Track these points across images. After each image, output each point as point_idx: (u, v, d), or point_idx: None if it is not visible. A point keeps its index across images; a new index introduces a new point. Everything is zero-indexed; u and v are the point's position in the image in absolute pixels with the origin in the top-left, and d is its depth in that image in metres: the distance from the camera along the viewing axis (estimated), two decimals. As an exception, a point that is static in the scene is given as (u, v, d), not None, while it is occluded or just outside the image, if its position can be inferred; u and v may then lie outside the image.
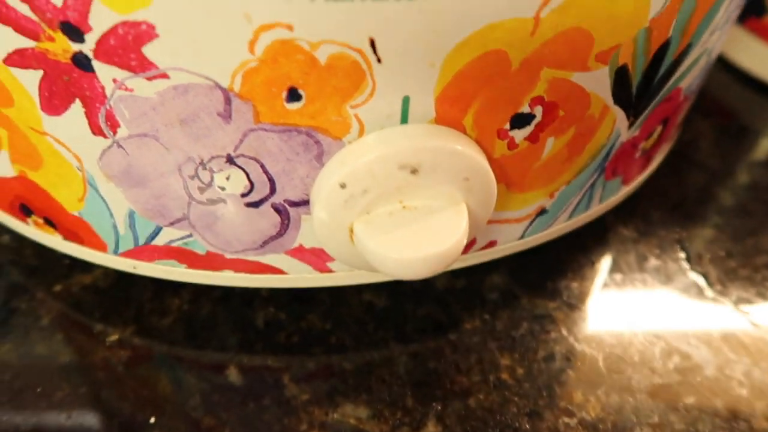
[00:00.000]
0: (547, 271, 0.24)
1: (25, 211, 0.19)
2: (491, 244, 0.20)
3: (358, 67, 0.14)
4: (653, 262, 0.24)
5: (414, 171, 0.15)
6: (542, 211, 0.20)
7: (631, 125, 0.19)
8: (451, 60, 0.14)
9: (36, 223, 0.20)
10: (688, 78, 0.20)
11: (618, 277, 0.24)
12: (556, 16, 0.14)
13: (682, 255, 0.25)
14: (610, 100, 0.18)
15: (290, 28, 0.13)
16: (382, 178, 0.15)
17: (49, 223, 0.19)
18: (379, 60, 0.14)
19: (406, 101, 0.15)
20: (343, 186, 0.15)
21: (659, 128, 0.21)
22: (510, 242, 0.21)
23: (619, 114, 0.18)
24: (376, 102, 0.15)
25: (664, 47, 0.17)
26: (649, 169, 0.24)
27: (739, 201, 0.28)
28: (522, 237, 0.21)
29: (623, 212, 0.26)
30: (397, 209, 0.16)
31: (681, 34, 0.17)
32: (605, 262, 0.24)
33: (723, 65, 0.37)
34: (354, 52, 0.14)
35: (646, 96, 0.19)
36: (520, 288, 0.23)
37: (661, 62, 0.18)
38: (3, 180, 0.18)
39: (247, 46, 0.13)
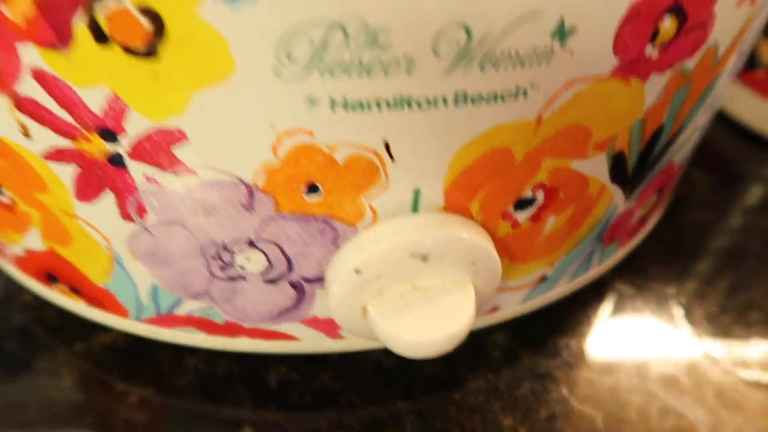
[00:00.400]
0: (547, 329, 0.25)
1: (51, 279, 0.20)
2: (494, 309, 0.21)
3: (373, 165, 0.15)
4: (649, 318, 0.25)
5: (425, 258, 0.16)
6: (543, 279, 0.21)
7: (627, 198, 0.20)
8: (459, 157, 0.15)
9: (61, 290, 0.21)
10: (682, 152, 0.21)
11: (615, 333, 0.25)
12: (556, 116, 0.15)
13: (678, 311, 0.26)
14: (607, 181, 0.19)
15: (311, 134, 0.14)
16: (394, 265, 0.16)
17: (74, 290, 0.20)
18: (392, 159, 0.15)
19: (417, 192, 0.16)
20: (358, 272, 0.16)
21: (654, 197, 0.23)
22: (512, 307, 0.22)
23: (616, 191, 0.19)
24: (389, 194, 0.16)
25: (658, 132, 0.18)
26: (646, 230, 0.25)
27: (733, 255, 0.29)
28: (524, 302, 0.22)
29: (620, 267, 0.27)
30: (409, 290, 0.17)
31: (674, 119, 0.18)
32: (603, 319, 0.25)
33: (716, 115, 0.38)
34: (370, 153, 0.15)
35: (642, 174, 0.20)
36: (521, 346, 0.24)
37: (655, 145, 0.19)
38: (32, 252, 0.19)
39: (271, 149, 0.14)
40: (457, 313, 0.16)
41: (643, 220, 0.24)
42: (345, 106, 0.14)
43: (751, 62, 0.35)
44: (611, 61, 0.15)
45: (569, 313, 0.25)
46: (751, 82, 0.35)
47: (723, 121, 0.37)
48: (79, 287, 0.20)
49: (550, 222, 0.19)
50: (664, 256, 0.28)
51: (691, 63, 0.17)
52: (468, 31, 0.13)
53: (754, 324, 0.26)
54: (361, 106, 0.14)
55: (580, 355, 0.24)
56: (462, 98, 0.14)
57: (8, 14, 0.12)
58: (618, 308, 0.26)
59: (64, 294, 0.21)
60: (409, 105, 0.14)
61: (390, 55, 0.13)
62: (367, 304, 0.17)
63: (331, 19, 0.12)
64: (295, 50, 0.12)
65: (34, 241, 0.19)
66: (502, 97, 0.14)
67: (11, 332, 0.23)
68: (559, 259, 0.21)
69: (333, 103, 0.13)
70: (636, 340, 0.25)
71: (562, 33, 0.13)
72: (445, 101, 0.14)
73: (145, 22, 0.12)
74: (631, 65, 0.15)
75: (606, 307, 0.26)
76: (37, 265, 0.20)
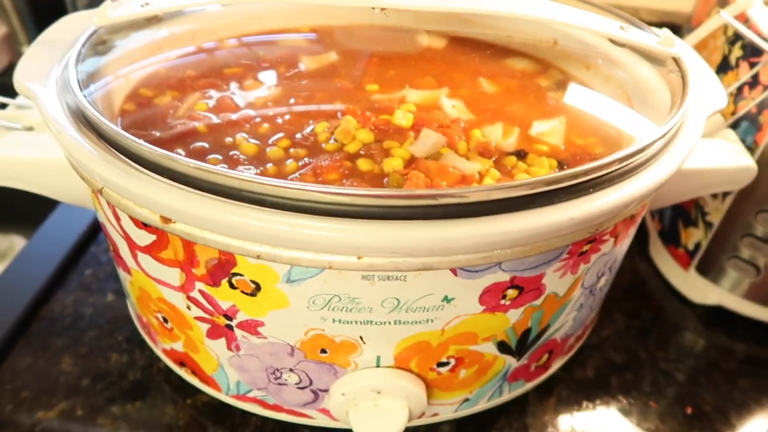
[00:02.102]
0: (482, 427, 0.38)
1: (181, 364, 0.36)
2: (435, 414, 0.35)
3: (355, 345, 0.29)
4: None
5: (380, 391, 0.30)
6: (466, 400, 0.34)
7: (518, 360, 0.33)
8: (399, 344, 0.29)
9: (186, 371, 0.36)
10: (559, 334, 0.34)
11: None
12: (452, 329, 0.29)
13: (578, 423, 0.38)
14: (498, 353, 0.32)
15: (323, 330, 0.29)
16: (364, 393, 0.30)
17: (193, 372, 0.36)
18: (364, 342, 0.29)
19: (378, 357, 0.30)
20: (343, 394, 0.30)
21: (546, 355, 0.35)
22: (448, 414, 0.35)
23: (507, 357, 0.33)
24: (364, 356, 0.30)
25: (527, 331, 0.32)
26: (548, 373, 0.38)
27: (645, 394, 0.41)
28: (455, 412, 0.35)
29: (541, 389, 0.40)
30: (372, 405, 0.31)
31: (538, 323, 0.32)
32: (522, 421, 0.38)
33: (653, 272, 0.49)
34: (353, 340, 0.29)
35: (524, 350, 0.33)
36: (457, 437, 0.37)
37: (527, 337, 0.32)
38: (174, 350, 0.35)
39: (303, 334, 0.29)
40: (397, 419, 0.30)
41: (544, 367, 0.37)
42: (340, 321, 0.28)
43: (677, 242, 0.47)
44: (480, 307, 0.28)
45: (498, 417, 0.38)
46: (676, 256, 0.47)
47: (659, 277, 0.49)
48: (196, 372, 0.35)
49: (462, 373, 0.32)
50: (581, 384, 0.41)
51: (537, 302, 0.30)
52: (398, 300, 0.27)
53: (622, 443, 0.37)
54: (348, 322, 0.28)
55: (494, 449, 0.37)
56: (398, 322, 0.28)
57: (194, 271, 0.28)
58: (536, 425, 0.38)
59: (187, 373, 0.36)
60: (371, 323, 0.28)
61: (361, 306, 0.27)
62: (348, 410, 0.31)
63: (333, 293, 0.27)
64: (317, 300, 0.27)
65: (177, 346, 0.34)
66: (420, 322, 0.28)
67: (151, 386, 0.39)
68: (474, 390, 0.34)
69: (334, 320, 0.28)
70: (537, 443, 0.37)
71: (447, 299, 0.27)
72: (389, 323, 0.28)
73: (253, 285, 0.27)
74: (493, 308, 0.29)
75: (526, 420, 0.39)
76: (175, 356, 0.36)
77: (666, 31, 0.33)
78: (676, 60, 0.33)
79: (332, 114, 0.35)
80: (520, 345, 0.32)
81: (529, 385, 0.37)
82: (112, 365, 0.40)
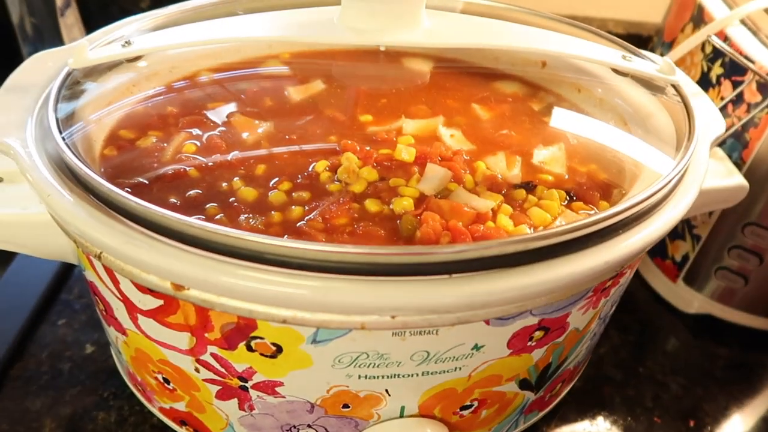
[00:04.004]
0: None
1: (182, 423, 0.34)
2: (454, 454, 0.34)
3: (380, 398, 0.28)
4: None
5: (405, 443, 0.29)
6: (485, 437, 0.34)
7: (536, 394, 0.33)
8: (425, 394, 0.28)
9: (186, 429, 0.34)
10: (574, 363, 0.34)
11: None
12: (479, 374, 0.28)
13: (583, 452, 0.38)
14: (518, 390, 0.31)
15: (347, 386, 0.27)
16: (388, 448, 0.29)
17: (196, 431, 0.33)
18: (389, 395, 0.28)
19: (402, 408, 0.29)
20: (368, 449, 0.29)
21: (559, 385, 0.35)
22: (465, 452, 0.34)
23: (527, 393, 0.32)
24: (387, 408, 0.29)
25: (548, 366, 0.31)
26: (558, 400, 0.38)
27: (648, 410, 0.41)
28: (473, 449, 0.34)
29: (549, 414, 0.40)
30: (396, 457, 0.30)
31: (558, 357, 0.31)
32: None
33: (641, 285, 0.50)
34: (378, 393, 0.28)
35: (543, 384, 0.32)
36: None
37: (547, 372, 0.32)
38: (175, 409, 0.33)
39: (326, 392, 0.27)
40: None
41: (555, 395, 0.36)
42: (366, 377, 0.27)
43: (664, 254, 0.48)
44: (507, 351, 0.28)
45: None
46: (663, 268, 0.48)
47: (646, 289, 0.50)
48: (200, 431, 0.33)
49: (484, 413, 0.31)
50: (583, 409, 0.41)
51: (560, 340, 0.29)
52: (428, 353, 0.26)
53: (633, 464, 0.38)
54: (375, 377, 0.27)
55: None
56: (426, 373, 0.27)
57: (207, 335, 0.26)
58: (543, 446, 0.38)
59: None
60: (398, 376, 0.27)
61: (390, 361, 0.26)
62: (372, 464, 0.30)
63: (362, 350, 0.25)
64: (343, 359, 0.26)
65: (179, 405, 0.32)
66: (447, 371, 0.27)
67: (145, 444, 0.37)
68: (494, 427, 0.33)
69: (360, 376, 0.27)
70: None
71: (477, 347, 0.26)
72: (417, 374, 0.27)
73: (274, 348, 0.25)
74: (520, 351, 0.28)
75: (535, 445, 0.38)
76: (175, 415, 0.33)
77: (665, 59, 0.33)
78: (675, 87, 0.33)
79: (330, 150, 0.34)
80: (539, 380, 0.32)
81: (542, 414, 0.37)
82: (100, 426, 0.37)
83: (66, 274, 0.47)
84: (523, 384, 0.31)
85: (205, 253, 0.23)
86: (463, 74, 0.42)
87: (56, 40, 0.52)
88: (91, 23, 0.61)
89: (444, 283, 0.23)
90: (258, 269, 0.23)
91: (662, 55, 0.49)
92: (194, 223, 0.23)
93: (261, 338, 0.25)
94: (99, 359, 0.41)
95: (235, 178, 0.31)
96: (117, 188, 0.24)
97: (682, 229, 0.45)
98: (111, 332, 0.33)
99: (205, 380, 0.29)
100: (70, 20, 0.54)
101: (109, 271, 0.26)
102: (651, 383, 0.44)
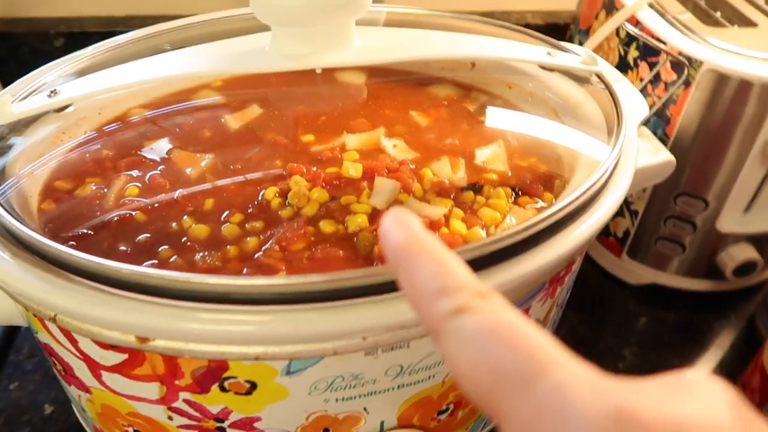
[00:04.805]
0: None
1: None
2: (436, 457, 0.35)
3: (360, 416, 0.28)
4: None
5: (389, 456, 0.29)
6: (463, 436, 0.35)
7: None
8: (403, 405, 0.29)
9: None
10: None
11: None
12: (453, 377, 0.29)
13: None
14: (491, 386, 0.32)
15: (326, 411, 0.27)
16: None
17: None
18: (368, 412, 0.28)
19: (382, 423, 0.29)
20: (353, 468, 0.29)
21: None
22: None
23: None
24: (368, 425, 0.29)
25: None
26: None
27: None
28: (454, 449, 0.35)
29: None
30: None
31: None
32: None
33: (589, 262, 0.52)
34: (357, 413, 0.28)
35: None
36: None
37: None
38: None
39: (305, 419, 0.27)
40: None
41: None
42: (343, 399, 0.27)
43: (606, 232, 0.50)
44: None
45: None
46: (607, 245, 0.50)
47: (594, 267, 0.52)
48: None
49: (460, 414, 0.32)
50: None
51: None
52: (402, 366, 0.26)
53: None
54: (351, 398, 0.27)
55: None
56: (402, 386, 0.27)
57: (178, 382, 0.25)
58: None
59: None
60: (375, 393, 0.27)
61: (365, 380, 0.26)
62: (360, 482, 0.30)
63: (336, 374, 0.25)
64: (318, 385, 0.26)
65: (155, 455, 0.31)
66: (422, 381, 0.28)
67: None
68: (470, 425, 0.34)
69: (337, 399, 0.27)
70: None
71: (447, 353, 0.27)
72: (393, 388, 0.27)
73: (248, 385, 0.25)
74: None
75: None
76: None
77: (587, 50, 0.35)
78: (599, 76, 0.35)
79: (277, 176, 0.34)
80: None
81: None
82: (72, 487, 0.36)
83: (11, 334, 0.45)
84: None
85: (167, 300, 0.22)
86: (396, 82, 0.43)
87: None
88: (2, 67, 0.58)
89: (410, 298, 0.23)
90: (224, 310, 0.22)
91: (580, 43, 0.52)
92: (151, 272, 0.22)
93: (234, 377, 0.25)
94: (60, 418, 0.40)
95: (185, 217, 0.31)
96: (63, 246, 0.23)
97: (621, 206, 0.48)
98: (72, 391, 0.31)
99: (180, 426, 0.28)
100: (-20, 67, 0.51)
101: (66, 332, 0.25)
102: (610, 355, 0.46)
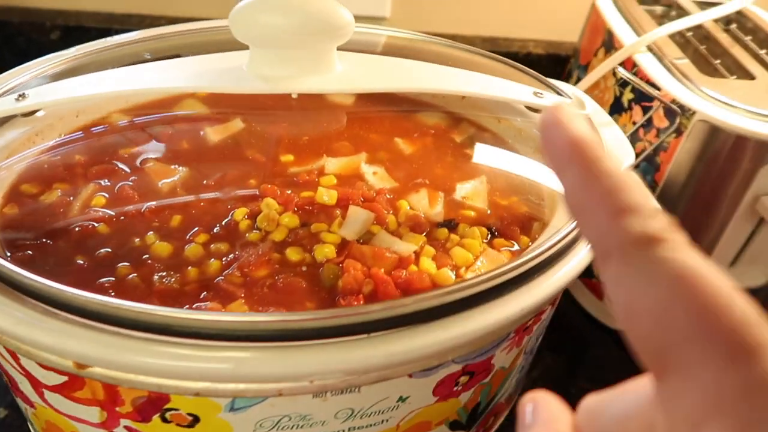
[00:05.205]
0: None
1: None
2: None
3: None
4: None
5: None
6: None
7: (469, 430, 0.33)
8: (355, 446, 0.28)
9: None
10: (505, 395, 0.34)
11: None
12: (407, 422, 0.28)
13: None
14: (449, 431, 0.31)
15: (272, 447, 0.26)
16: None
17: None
18: None
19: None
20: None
21: (492, 418, 0.35)
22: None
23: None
24: (317, 464, 0.28)
25: (477, 405, 0.31)
26: (494, 429, 0.38)
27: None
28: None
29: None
30: None
31: (487, 396, 0.31)
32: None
33: (571, 303, 0.51)
34: (304, 451, 0.27)
35: (473, 422, 0.32)
36: None
37: (477, 410, 0.32)
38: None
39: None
40: None
41: (489, 428, 0.36)
42: (290, 438, 0.26)
43: (590, 273, 0.49)
44: (434, 398, 0.27)
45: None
46: (590, 286, 0.49)
47: (576, 307, 0.51)
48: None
49: None
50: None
51: (486, 380, 0.29)
52: (352, 410, 0.25)
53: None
54: (299, 437, 0.26)
55: None
56: (353, 428, 0.26)
57: (118, 409, 0.24)
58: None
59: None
60: (325, 434, 0.26)
61: (313, 421, 0.25)
62: None
63: (283, 414, 0.24)
64: (264, 423, 0.25)
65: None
66: (374, 425, 0.27)
67: None
68: (428, 467, 0.33)
69: (284, 438, 0.26)
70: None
71: (401, 399, 0.26)
72: (344, 431, 0.26)
73: (190, 418, 0.24)
74: (446, 396, 0.28)
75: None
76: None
77: (576, 92, 0.34)
78: (587, 120, 0.34)
79: (250, 196, 0.33)
80: (470, 419, 0.32)
81: (479, 445, 0.37)
82: (16, 498, 0.35)
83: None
84: (454, 425, 0.31)
85: (108, 327, 0.22)
86: (385, 105, 0.42)
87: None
88: (-3, 57, 0.58)
89: (361, 343, 0.22)
90: (165, 342, 0.21)
91: (579, 78, 0.51)
92: (92, 297, 0.21)
93: (176, 409, 0.24)
94: (14, 424, 0.39)
95: (149, 232, 0.30)
96: (2, 259, 0.22)
97: (606, 248, 0.47)
98: (20, 402, 0.31)
99: (123, 453, 0.27)
100: (-30, 56, 0.50)
101: (7, 348, 0.25)
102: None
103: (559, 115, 0.14)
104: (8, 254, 0.28)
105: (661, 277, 0.12)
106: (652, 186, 0.41)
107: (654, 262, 0.12)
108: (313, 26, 0.26)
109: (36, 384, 0.26)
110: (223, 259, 0.29)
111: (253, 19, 0.26)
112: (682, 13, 0.49)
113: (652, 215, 0.13)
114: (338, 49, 0.32)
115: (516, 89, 0.32)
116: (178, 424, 0.25)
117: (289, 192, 0.33)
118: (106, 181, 0.33)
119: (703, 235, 0.42)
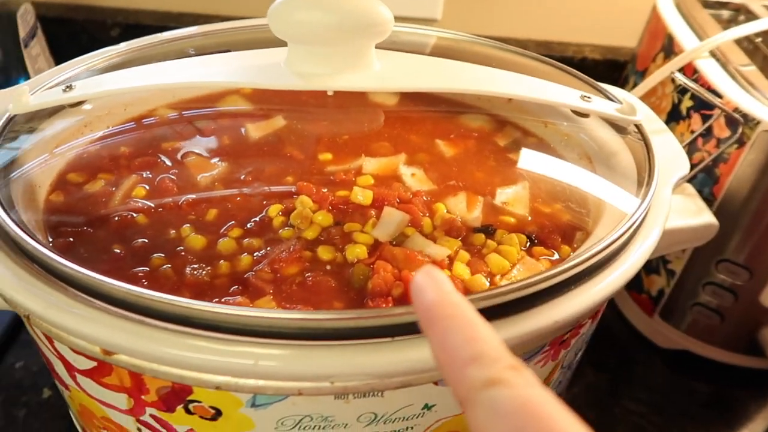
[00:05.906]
0: None
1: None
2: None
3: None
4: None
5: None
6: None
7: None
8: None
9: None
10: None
11: None
12: (434, 430, 0.27)
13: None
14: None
15: (294, 446, 0.26)
16: None
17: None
18: (339, 455, 0.27)
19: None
20: None
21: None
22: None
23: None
24: (338, 467, 0.27)
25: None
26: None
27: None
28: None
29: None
30: None
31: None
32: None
33: (622, 322, 0.49)
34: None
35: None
36: None
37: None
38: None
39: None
40: None
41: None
42: (311, 439, 0.25)
43: (639, 288, 0.46)
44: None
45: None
46: (639, 302, 0.47)
47: (623, 323, 0.49)
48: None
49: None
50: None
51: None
52: (375, 414, 0.25)
53: None
54: (320, 439, 0.25)
55: None
56: (375, 434, 0.26)
57: (144, 398, 0.25)
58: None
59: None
60: (346, 437, 0.26)
61: (335, 423, 0.25)
62: None
63: (304, 413, 0.24)
64: (285, 422, 0.24)
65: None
66: (400, 431, 0.26)
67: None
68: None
69: (305, 438, 0.25)
70: None
71: (427, 407, 0.25)
72: (366, 435, 0.26)
73: (213, 411, 0.24)
74: (475, 407, 0.27)
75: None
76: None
77: (627, 97, 0.33)
78: (638, 127, 0.32)
79: (286, 193, 0.33)
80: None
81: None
82: (52, 478, 0.36)
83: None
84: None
85: (133, 315, 0.22)
86: (428, 106, 0.41)
87: (21, 71, 0.51)
88: (61, 53, 0.60)
89: (384, 347, 0.21)
90: (188, 334, 0.21)
91: (635, 84, 0.49)
92: (118, 285, 0.22)
93: (198, 401, 0.24)
94: (56, 405, 0.40)
95: (185, 225, 0.30)
96: (38, 244, 0.23)
97: (657, 263, 0.44)
98: (58, 384, 0.31)
99: (148, 440, 0.27)
100: (35, 51, 0.53)
101: (43, 332, 0.25)
102: (627, 424, 0.42)
103: (426, 278, 0.17)
104: (50, 240, 0.29)
105: (503, 413, 0.14)
106: (710, 200, 0.39)
107: (495, 401, 0.14)
108: (351, 23, 0.26)
109: (69, 367, 0.26)
110: (255, 254, 0.29)
111: (290, 15, 0.26)
112: (752, 17, 0.46)
113: (494, 361, 0.15)
114: (381, 48, 0.31)
115: (562, 92, 0.31)
116: (201, 417, 0.25)
117: (324, 190, 0.32)
118: (148, 173, 0.33)
119: (763, 254, 0.39)
